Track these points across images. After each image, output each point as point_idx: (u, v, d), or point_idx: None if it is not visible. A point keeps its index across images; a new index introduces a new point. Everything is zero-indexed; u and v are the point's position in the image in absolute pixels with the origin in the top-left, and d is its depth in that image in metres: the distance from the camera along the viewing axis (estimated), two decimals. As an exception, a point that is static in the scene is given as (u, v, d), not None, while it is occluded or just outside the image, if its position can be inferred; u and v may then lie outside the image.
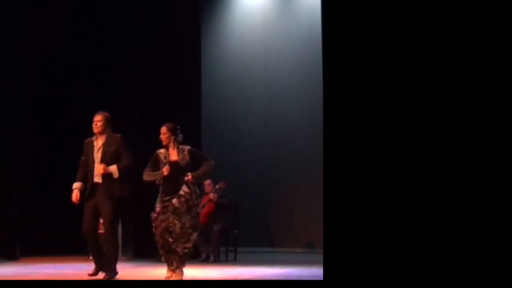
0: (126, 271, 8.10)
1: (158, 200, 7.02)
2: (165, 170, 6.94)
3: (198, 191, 7.09)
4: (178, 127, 7.07)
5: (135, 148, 9.29)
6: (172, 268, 6.96)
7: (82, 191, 7.24)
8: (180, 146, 7.05)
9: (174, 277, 6.91)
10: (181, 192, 6.93)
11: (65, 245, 10.51)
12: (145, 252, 10.16)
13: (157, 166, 7.05)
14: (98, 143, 7.27)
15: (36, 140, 10.63)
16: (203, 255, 9.73)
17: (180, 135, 7.08)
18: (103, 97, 11.13)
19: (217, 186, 9.90)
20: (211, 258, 9.66)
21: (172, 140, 7.02)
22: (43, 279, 7.15)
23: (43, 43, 10.66)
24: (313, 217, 10.43)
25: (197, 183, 7.16)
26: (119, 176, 7.14)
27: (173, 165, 6.97)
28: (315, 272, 7.39)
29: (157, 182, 7.03)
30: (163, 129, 7.05)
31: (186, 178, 6.96)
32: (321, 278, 5.63)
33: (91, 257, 9.18)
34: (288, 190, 11.76)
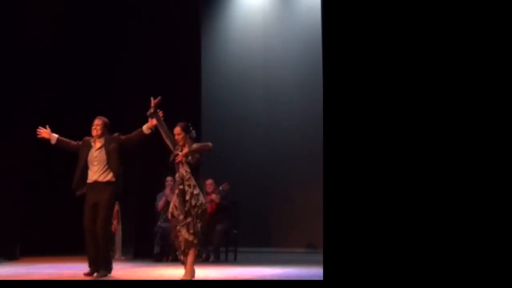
0: (126, 271, 8.10)
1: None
2: (181, 155, 6.81)
3: (189, 179, 6.83)
4: (189, 124, 7.03)
5: (134, 148, 9.31)
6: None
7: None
8: (194, 144, 6.97)
9: (183, 276, 6.88)
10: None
11: (65, 245, 10.50)
12: (145, 252, 10.16)
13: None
14: (97, 144, 7.45)
15: (36, 140, 10.62)
16: (203, 255, 9.73)
17: (193, 131, 7.04)
18: (102, 97, 11.12)
19: (221, 188, 9.90)
20: (211, 258, 9.66)
21: (187, 139, 6.96)
22: (43, 279, 7.15)
23: (42, 43, 10.65)
24: (313, 217, 10.42)
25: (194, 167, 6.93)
26: (116, 175, 7.29)
27: (189, 152, 6.86)
28: (315, 272, 7.39)
29: (171, 159, 6.91)
30: (177, 130, 6.97)
31: (177, 158, 6.83)
32: (321, 278, 5.63)
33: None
34: (288, 190, 11.75)
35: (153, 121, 7.22)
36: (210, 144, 7.10)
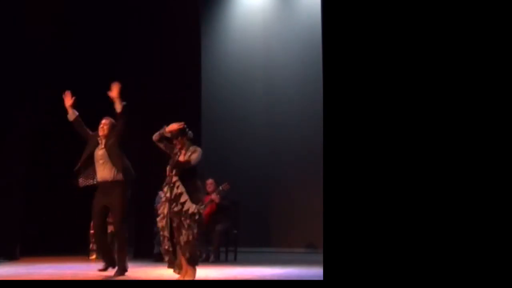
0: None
1: None
2: (169, 170, 6.82)
3: (178, 187, 6.79)
4: (185, 126, 6.94)
5: (134, 149, 9.33)
6: (178, 269, 6.87)
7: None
8: (191, 147, 6.92)
9: (187, 276, 6.84)
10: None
11: (65, 245, 10.50)
12: (145, 252, 10.16)
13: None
14: (102, 141, 7.52)
15: (36, 140, 10.63)
16: (203, 255, 9.73)
17: (190, 132, 6.98)
18: (102, 97, 11.09)
19: (221, 188, 9.91)
20: (211, 258, 9.66)
21: (185, 141, 6.93)
22: (43, 279, 7.15)
23: (42, 43, 10.64)
24: (313, 217, 10.42)
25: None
26: (120, 170, 7.34)
27: (177, 165, 6.83)
28: (315, 272, 7.38)
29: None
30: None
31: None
32: (321, 278, 5.63)
33: (91, 257, 9.37)
34: (288, 190, 11.75)
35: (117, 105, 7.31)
36: (194, 158, 6.82)
